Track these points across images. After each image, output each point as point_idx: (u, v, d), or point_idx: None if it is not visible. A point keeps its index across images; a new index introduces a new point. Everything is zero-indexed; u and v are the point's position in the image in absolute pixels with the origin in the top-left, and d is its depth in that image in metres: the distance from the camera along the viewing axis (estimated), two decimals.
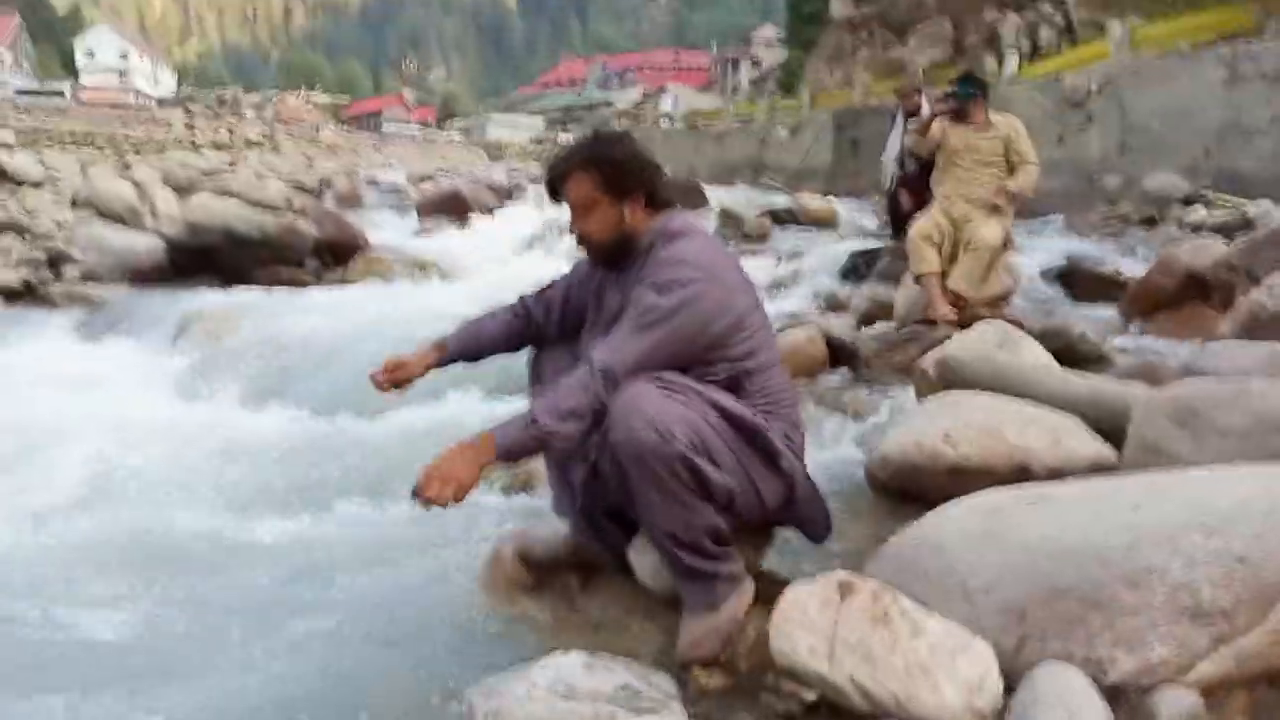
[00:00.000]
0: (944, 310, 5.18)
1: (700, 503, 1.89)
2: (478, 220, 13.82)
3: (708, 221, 10.90)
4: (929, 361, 3.70)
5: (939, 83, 17.85)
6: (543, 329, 2.31)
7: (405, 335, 5.44)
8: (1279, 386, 2.43)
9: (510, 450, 1.83)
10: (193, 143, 32.58)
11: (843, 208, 12.61)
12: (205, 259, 8.62)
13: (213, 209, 8.71)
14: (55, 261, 8.38)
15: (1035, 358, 3.78)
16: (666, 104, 59.26)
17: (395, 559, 2.66)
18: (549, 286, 2.37)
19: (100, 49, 79.13)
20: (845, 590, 1.79)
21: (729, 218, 11.19)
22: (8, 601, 2.48)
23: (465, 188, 15.61)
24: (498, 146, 62.33)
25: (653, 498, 1.86)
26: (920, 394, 3.68)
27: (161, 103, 53.63)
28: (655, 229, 2.08)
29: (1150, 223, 9.44)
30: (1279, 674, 1.68)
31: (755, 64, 61.17)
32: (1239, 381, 2.56)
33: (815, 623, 1.75)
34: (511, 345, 2.33)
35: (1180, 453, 2.41)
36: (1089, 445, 2.81)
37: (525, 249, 11.96)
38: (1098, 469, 2.72)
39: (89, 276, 8.29)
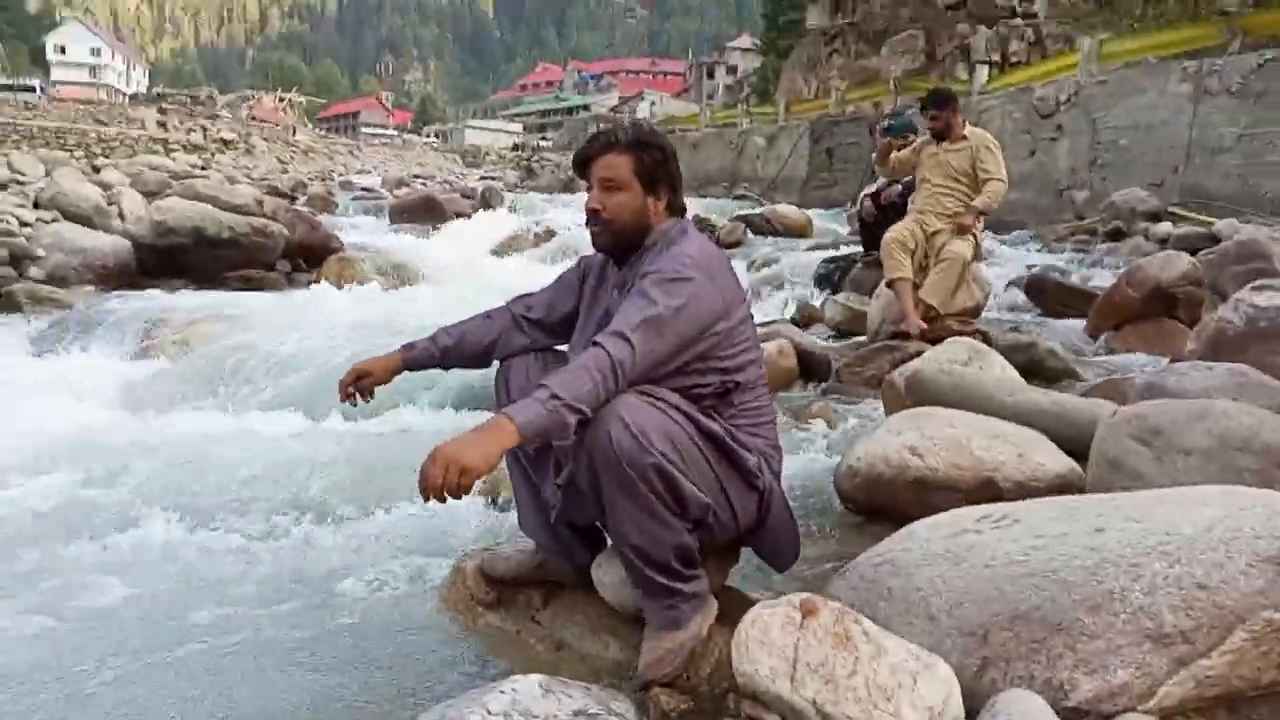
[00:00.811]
0: (915, 321, 5.20)
1: (672, 518, 1.85)
2: (452, 225, 13.76)
3: None
4: (898, 376, 3.72)
5: (910, 89, 18.08)
6: (524, 334, 2.26)
7: (375, 340, 5.40)
8: (1242, 407, 2.45)
9: (535, 430, 1.69)
10: (165, 142, 32.20)
11: (817, 218, 12.67)
12: (174, 261, 8.51)
13: (182, 211, 8.60)
14: (17, 260, 8.23)
15: (1003, 373, 3.80)
16: (643, 109, 59.43)
17: (354, 572, 2.61)
18: (532, 294, 2.33)
19: (72, 45, 78.27)
20: (808, 610, 1.77)
21: (701, 223, 11.21)
22: None
23: (440, 193, 15.56)
24: (474, 152, 62.18)
25: (624, 507, 1.83)
26: (889, 408, 3.69)
27: (134, 99, 53.08)
28: (661, 230, 2.09)
29: (1117, 236, 9.55)
30: (1239, 697, 1.68)
31: (730, 71, 61.44)
32: (1203, 402, 2.58)
33: (777, 643, 1.73)
34: (490, 350, 2.25)
35: (1143, 471, 2.42)
36: (1055, 461, 2.83)
37: (499, 254, 11.93)
38: (1063, 485, 2.74)
39: (54, 277, 8.15)
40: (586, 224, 2.12)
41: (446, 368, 2.29)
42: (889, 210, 6.38)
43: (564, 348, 2.27)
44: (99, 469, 3.54)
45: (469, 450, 1.64)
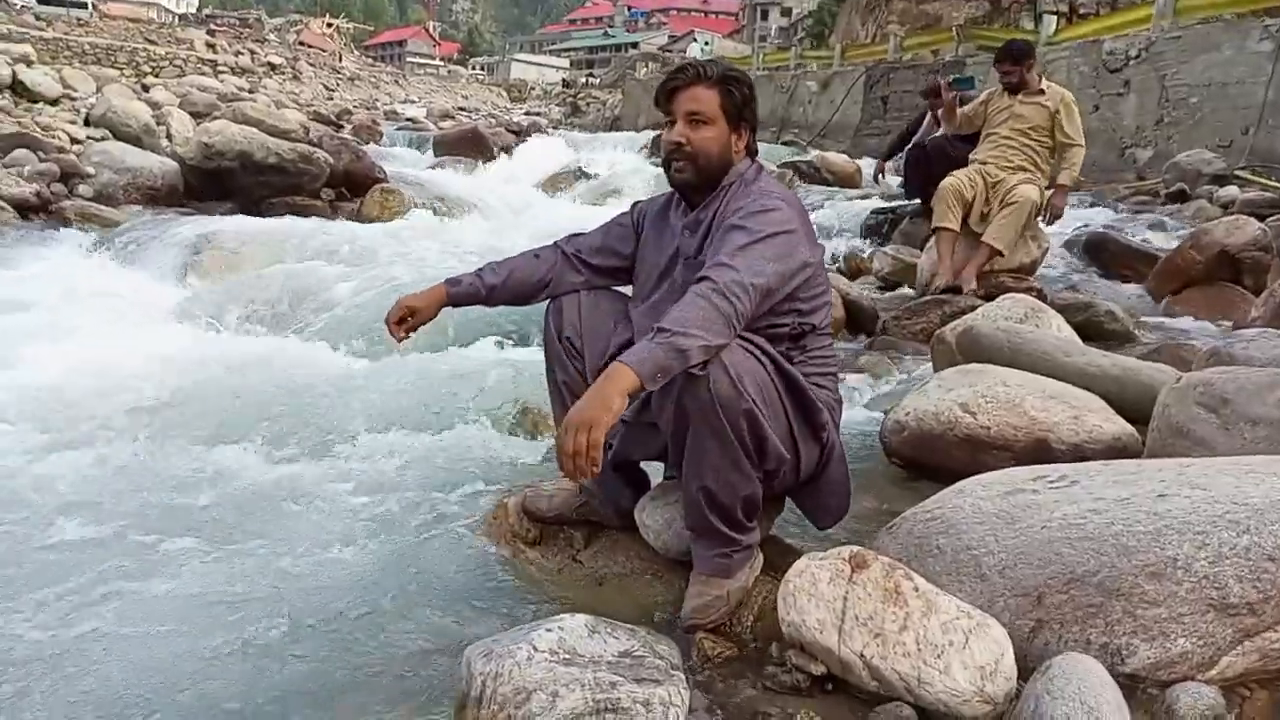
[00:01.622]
0: (948, 278, 5.09)
1: (751, 468, 1.83)
2: (496, 159, 13.66)
3: None
4: (950, 331, 3.63)
5: (975, 38, 17.50)
6: (579, 273, 2.21)
7: (418, 272, 5.39)
8: None
9: (653, 367, 1.62)
10: (213, 64, 32.18)
11: (868, 167, 12.39)
12: (220, 184, 8.52)
13: (230, 134, 8.58)
14: (68, 177, 8.29)
15: (1060, 333, 3.70)
16: (694, 49, 58.28)
17: (395, 502, 2.62)
18: (581, 234, 2.29)
19: None
20: (857, 564, 1.74)
21: None
22: None
23: (485, 127, 15.43)
24: (520, 87, 61.58)
25: (709, 450, 1.79)
26: (938, 363, 3.61)
27: (184, 20, 53.08)
28: (739, 170, 2.05)
29: (1180, 198, 9.23)
30: None
31: (785, 12, 59.95)
32: (1273, 371, 2.48)
33: (825, 595, 1.71)
34: (542, 287, 2.21)
35: (1209, 439, 2.34)
36: (1112, 424, 2.75)
37: (546, 190, 11.83)
38: (1120, 449, 2.67)
39: (102, 196, 8.20)
40: (666, 158, 2.05)
41: (492, 305, 2.25)
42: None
43: (623, 289, 2.24)
44: (161, 390, 3.57)
45: (590, 407, 1.58)
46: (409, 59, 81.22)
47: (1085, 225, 7.53)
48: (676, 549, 2.09)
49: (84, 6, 43.23)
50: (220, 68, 32.07)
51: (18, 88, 14.42)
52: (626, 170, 12.40)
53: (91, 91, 15.92)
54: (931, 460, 2.84)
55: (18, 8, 35.92)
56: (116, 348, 4.09)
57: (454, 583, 2.16)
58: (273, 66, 37.08)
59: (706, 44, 59.45)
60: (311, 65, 43.09)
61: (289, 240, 6.49)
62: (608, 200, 10.34)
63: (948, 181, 5.29)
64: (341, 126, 17.28)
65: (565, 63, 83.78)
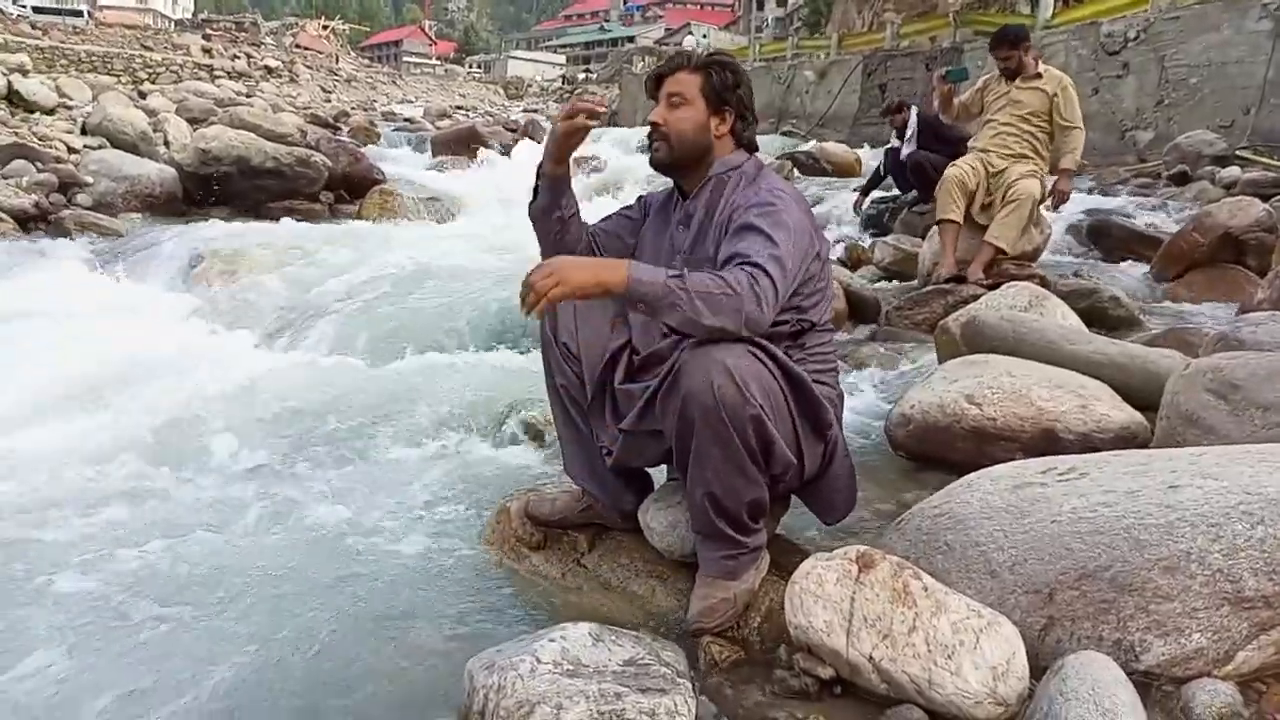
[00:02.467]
0: (950, 269, 5.06)
1: (757, 472, 1.81)
2: (493, 158, 13.62)
3: None
4: (954, 321, 3.60)
5: (972, 23, 17.39)
6: (590, 252, 2.17)
7: (418, 272, 5.37)
8: None
9: (643, 291, 1.66)
10: (209, 69, 32.13)
11: (867, 157, 12.33)
12: (218, 189, 8.52)
13: (227, 140, 8.57)
14: (66, 187, 8.28)
15: (1064, 320, 3.66)
16: (690, 42, 58.07)
17: (396, 508, 2.60)
18: (605, 219, 2.28)
19: None
20: (864, 563, 1.71)
21: None
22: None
23: (482, 126, 15.39)
24: (518, 84, 61.47)
25: (714, 456, 1.77)
26: (943, 354, 3.58)
27: (179, 25, 53.03)
28: (731, 162, 2.05)
29: (1181, 180, 9.16)
30: None
31: (781, 3, 59.69)
32: None
33: (832, 597, 1.68)
34: (569, 251, 2.14)
35: (1219, 426, 2.31)
36: (1120, 413, 2.72)
37: None
38: (1128, 438, 2.63)
39: (101, 204, 8.19)
40: (646, 140, 2.09)
41: (543, 225, 2.17)
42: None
43: None
44: (164, 396, 3.56)
45: (577, 269, 1.69)
46: (405, 59, 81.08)
47: (1091, 210, 7.48)
48: (681, 551, 2.06)
49: (80, 14, 43.15)
50: (217, 72, 32.00)
51: (14, 98, 14.43)
52: (624, 165, 12.37)
53: (88, 100, 15.92)
54: (938, 453, 2.81)
55: (14, 16, 35.88)
56: (116, 357, 4.06)
57: (456, 589, 2.13)
58: (269, 70, 37.01)
59: (704, 36, 59.23)
60: (308, 68, 43.02)
61: (289, 244, 6.47)
62: (605, 195, 10.33)
63: (951, 172, 5.24)
64: (339, 129, 17.23)
65: (562, 59, 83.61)
